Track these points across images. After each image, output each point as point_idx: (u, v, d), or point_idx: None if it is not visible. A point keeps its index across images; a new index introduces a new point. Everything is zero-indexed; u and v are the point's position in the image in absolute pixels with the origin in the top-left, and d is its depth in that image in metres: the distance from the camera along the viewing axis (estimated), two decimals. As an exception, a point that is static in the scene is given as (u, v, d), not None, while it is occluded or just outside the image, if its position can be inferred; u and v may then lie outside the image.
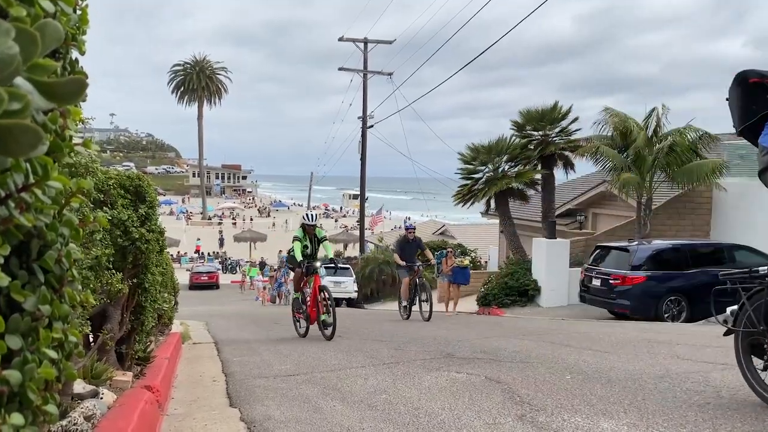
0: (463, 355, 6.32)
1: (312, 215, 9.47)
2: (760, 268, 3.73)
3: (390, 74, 31.25)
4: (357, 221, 37.31)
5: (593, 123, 18.49)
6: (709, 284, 15.37)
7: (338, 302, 25.90)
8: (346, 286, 26.22)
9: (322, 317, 8.81)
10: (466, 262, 16.05)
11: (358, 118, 31.99)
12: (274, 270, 32.28)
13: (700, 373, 4.68)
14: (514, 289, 18.09)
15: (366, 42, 31.10)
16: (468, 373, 5.09)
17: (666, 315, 13.18)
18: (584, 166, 21.88)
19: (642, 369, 4.98)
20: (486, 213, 26.84)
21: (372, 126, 31.83)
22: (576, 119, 22.09)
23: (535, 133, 22.28)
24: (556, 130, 22.16)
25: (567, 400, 3.95)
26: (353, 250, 47.08)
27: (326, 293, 8.89)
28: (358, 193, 35.86)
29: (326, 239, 9.59)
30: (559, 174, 22.76)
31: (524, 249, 21.26)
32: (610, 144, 17.96)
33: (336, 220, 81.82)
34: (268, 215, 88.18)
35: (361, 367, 5.77)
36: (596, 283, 14.33)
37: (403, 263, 12.63)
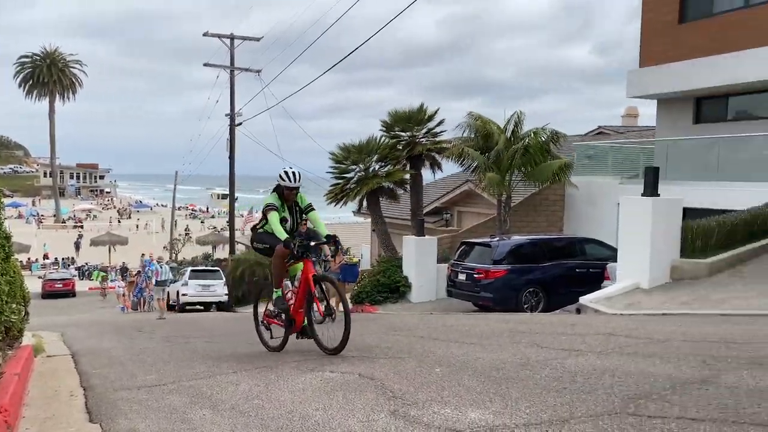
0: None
1: (294, 174, 6.62)
2: None
3: (258, 71, 30.78)
4: (227, 221, 36.39)
5: (457, 126, 19.33)
6: (563, 276, 16.43)
7: (208, 307, 25.12)
8: (216, 289, 25.43)
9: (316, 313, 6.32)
10: (355, 259, 15.86)
11: (226, 115, 31.36)
12: (134, 275, 30.68)
13: (557, 359, 5.00)
14: (386, 286, 18.43)
15: (232, 38, 30.47)
16: (342, 372, 5.11)
17: (525, 306, 14.00)
18: (450, 167, 22.76)
19: (505, 358, 5.24)
20: (358, 212, 27.14)
21: (240, 124, 31.30)
22: (442, 121, 22.90)
23: (403, 133, 22.82)
24: (423, 131, 22.83)
25: (437, 392, 4.07)
26: (223, 252, 45.86)
27: (328, 285, 6.56)
28: (227, 192, 35.04)
29: (313, 209, 6.91)
30: (426, 174, 23.50)
31: (395, 247, 21.73)
32: (473, 145, 18.85)
33: (203, 221, 79.22)
34: (129, 217, 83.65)
35: (232, 372, 5.62)
36: (462, 277, 14.94)
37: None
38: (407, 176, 22.67)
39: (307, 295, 6.38)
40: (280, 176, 6.63)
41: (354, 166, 22.57)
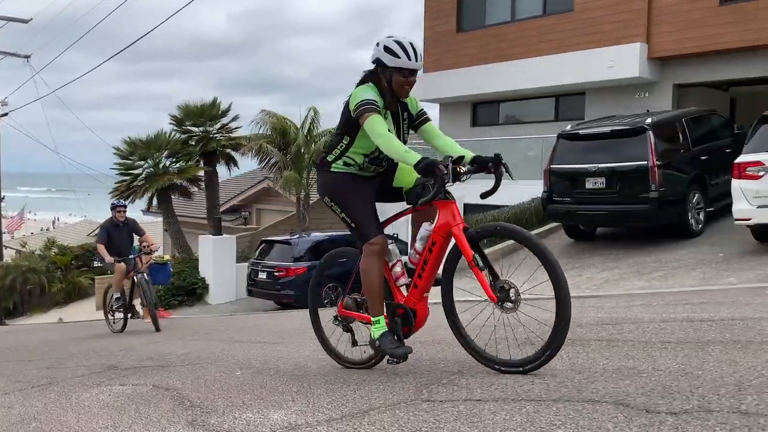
0: (128, 365, 5.94)
1: (414, 47, 3.54)
2: None
3: (27, 57, 27.88)
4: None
5: (251, 122, 19.24)
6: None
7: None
8: None
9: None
10: (167, 257, 14.59)
11: (-11, 104, 28.01)
12: None
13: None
14: (182, 288, 17.68)
15: (-6, 18, 27.20)
16: (134, 384, 4.80)
17: (326, 301, 14.24)
18: (248, 163, 22.51)
19: (307, 355, 5.29)
20: (148, 210, 25.73)
21: (6, 114, 28.26)
22: (236, 117, 22.54)
23: (196, 129, 22.11)
24: (217, 126, 22.29)
25: (238, 397, 3.99)
26: (-13, 259, 40.66)
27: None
28: (-8, 192, 31.29)
29: (428, 118, 4.10)
30: (222, 170, 22.98)
31: (190, 247, 20.94)
32: (271, 142, 18.85)
33: (-38, 225, 69.32)
34: None
35: (2, 394, 5.00)
36: (262, 276, 14.86)
37: (111, 259, 9.15)
38: (201, 173, 21.95)
39: (449, 265, 3.78)
40: (388, 49, 3.53)
41: (142, 162, 21.41)
